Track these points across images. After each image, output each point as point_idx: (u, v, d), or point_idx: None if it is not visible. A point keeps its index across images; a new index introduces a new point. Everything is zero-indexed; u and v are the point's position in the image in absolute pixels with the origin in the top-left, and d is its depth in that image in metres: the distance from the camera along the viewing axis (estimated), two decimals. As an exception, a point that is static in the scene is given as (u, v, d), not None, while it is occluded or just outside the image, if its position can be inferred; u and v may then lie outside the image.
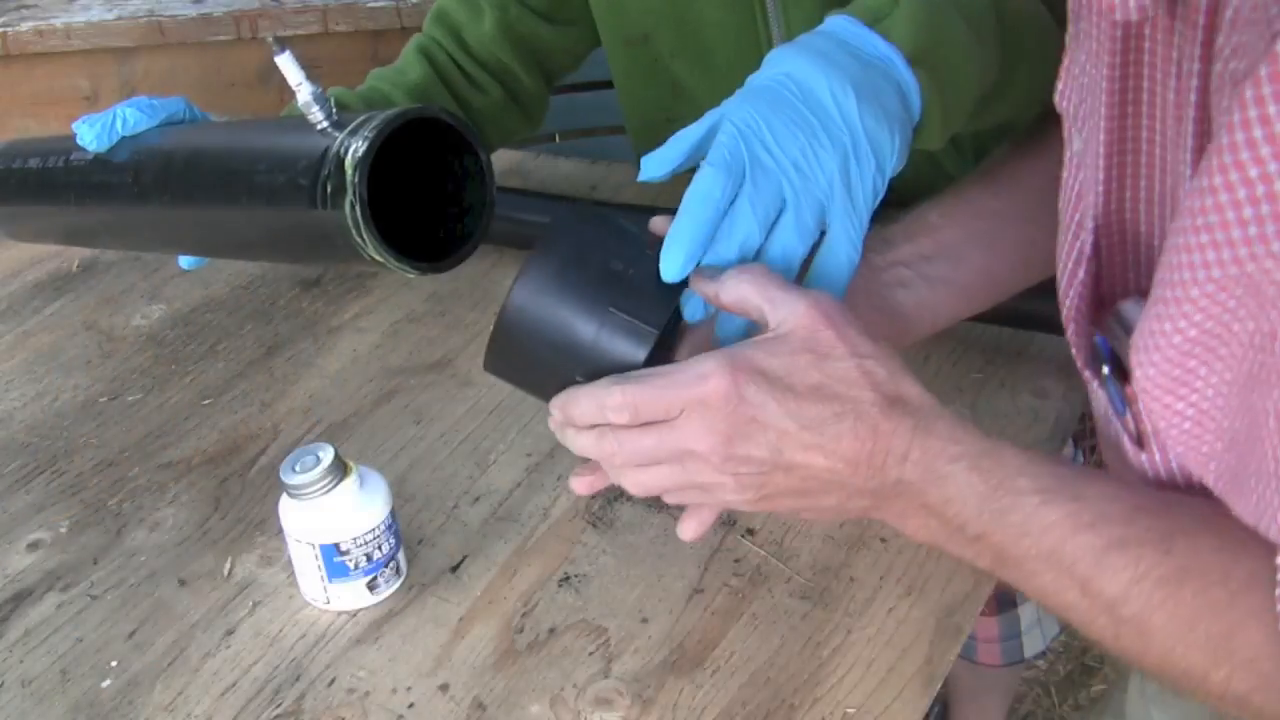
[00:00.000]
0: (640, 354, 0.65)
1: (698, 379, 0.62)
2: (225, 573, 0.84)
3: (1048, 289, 0.72)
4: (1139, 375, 0.57)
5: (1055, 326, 0.70)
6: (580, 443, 0.67)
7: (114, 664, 0.77)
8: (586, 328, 0.65)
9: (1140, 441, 0.65)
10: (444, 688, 0.74)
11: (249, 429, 0.96)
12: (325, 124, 0.75)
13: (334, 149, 0.73)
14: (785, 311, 0.63)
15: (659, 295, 0.66)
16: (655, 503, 0.86)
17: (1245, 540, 0.58)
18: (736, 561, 0.81)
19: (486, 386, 0.98)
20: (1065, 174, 0.68)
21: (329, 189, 0.73)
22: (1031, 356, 0.96)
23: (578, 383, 0.66)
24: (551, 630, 0.77)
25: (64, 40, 1.84)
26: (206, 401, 1.00)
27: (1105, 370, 0.65)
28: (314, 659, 0.77)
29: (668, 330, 0.68)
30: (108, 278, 1.17)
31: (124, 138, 0.91)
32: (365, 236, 0.73)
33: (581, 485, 0.72)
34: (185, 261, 0.97)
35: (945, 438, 0.62)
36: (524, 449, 0.92)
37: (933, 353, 0.97)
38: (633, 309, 0.65)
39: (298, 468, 0.76)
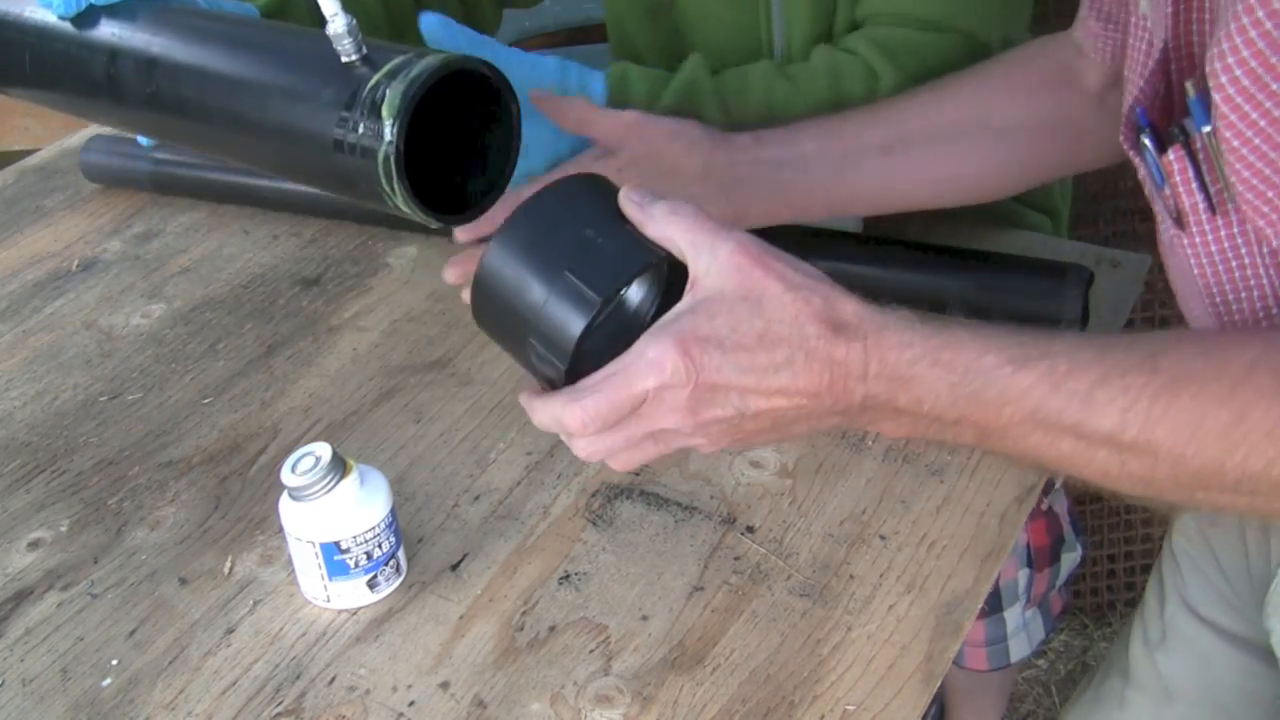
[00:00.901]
0: (579, 323, 0.64)
1: (650, 366, 0.63)
2: (226, 571, 0.84)
3: (1049, 289, 0.73)
4: (1216, 91, 0.60)
5: (1055, 324, 0.71)
6: (560, 434, 0.68)
7: (114, 663, 0.78)
8: (539, 290, 0.65)
9: (1180, 221, 0.68)
10: (444, 686, 0.74)
11: (249, 428, 0.96)
12: (355, 57, 0.71)
13: (364, 92, 0.69)
14: (709, 259, 0.64)
15: (620, 267, 0.65)
16: (655, 501, 0.86)
17: (1233, 339, 0.63)
18: (736, 559, 0.81)
19: (486, 385, 0.98)
20: (1133, 38, 0.74)
21: (359, 132, 0.69)
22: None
23: (532, 346, 0.66)
24: (552, 628, 0.77)
25: (64, 40, 1.84)
26: (207, 400, 1.00)
27: (1145, 140, 0.68)
28: (314, 657, 0.77)
29: (625, 311, 0.68)
30: (108, 277, 1.17)
31: (93, 6, 0.80)
32: (396, 188, 0.69)
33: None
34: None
35: (898, 344, 0.64)
36: (524, 447, 0.92)
37: (932, 351, 0.97)
38: (586, 275, 0.64)
39: (297, 469, 0.76)
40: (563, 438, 0.68)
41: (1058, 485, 1.41)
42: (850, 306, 0.65)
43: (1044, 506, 1.41)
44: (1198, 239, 0.69)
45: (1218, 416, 0.60)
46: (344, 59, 0.71)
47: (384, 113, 0.68)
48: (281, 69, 0.75)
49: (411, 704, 0.73)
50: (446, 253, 1.15)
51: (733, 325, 0.63)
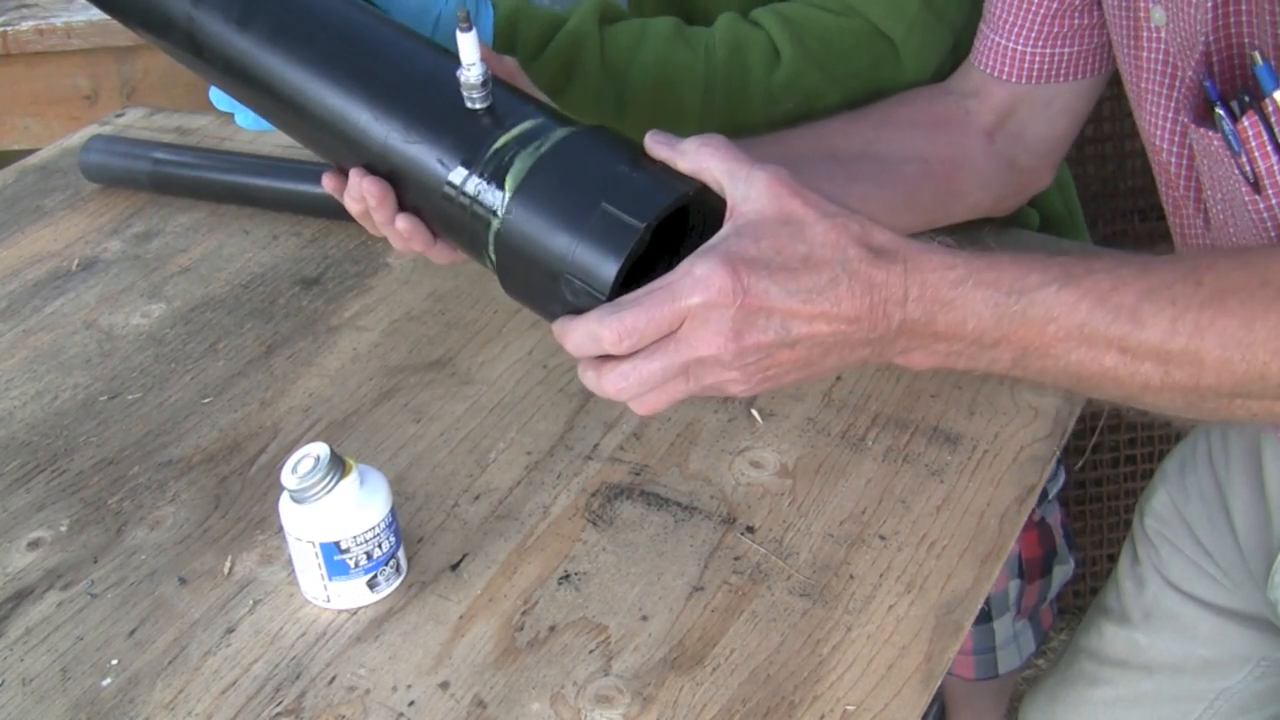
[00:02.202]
0: (622, 249, 0.63)
1: (697, 284, 0.62)
2: (225, 571, 0.84)
3: None
4: None
5: None
6: (586, 377, 0.67)
7: (114, 662, 0.78)
8: (574, 227, 0.64)
9: (1256, 185, 0.70)
10: (444, 685, 0.74)
11: (249, 427, 0.96)
12: (480, 108, 0.69)
13: (489, 153, 0.68)
14: (745, 188, 0.64)
15: (659, 193, 0.65)
16: (655, 501, 0.86)
17: (1265, 251, 0.65)
18: (736, 559, 0.81)
19: (486, 385, 0.98)
20: (1146, 50, 0.78)
21: (474, 192, 0.68)
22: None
23: (568, 283, 0.64)
24: (552, 628, 0.77)
25: (64, 39, 1.84)
26: (207, 400, 1.00)
27: (1219, 111, 0.71)
28: (314, 657, 0.77)
29: (658, 244, 0.67)
30: (108, 276, 1.17)
31: None
32: (496, 258, 0.69)
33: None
34: (245, 120, 0.87)
35: (940, 266, 0.65)
36: (524, 447, 0.92)
37: (932, 351, 0.97)
38: (624, 205, 0.64)
39: (297, 470, 0.76)
40: (589, 380, 0.66)
41: (1051, 497, 1.41)
42: (886, 234, 0.65)
43: (1036, 517, 1.40)
44: (1274, 199, 0.71)
45: (1265, 322, 0.62)
46: (469, 106, 0.69)
47: (507, 183, 0.67)
48: (395, 90, 0.73)
49: (411, 704, 0.73)
50: (446, 252, 1.15)
51: (777, 249, 0.63)
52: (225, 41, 0.78)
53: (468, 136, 0.69)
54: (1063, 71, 0.91)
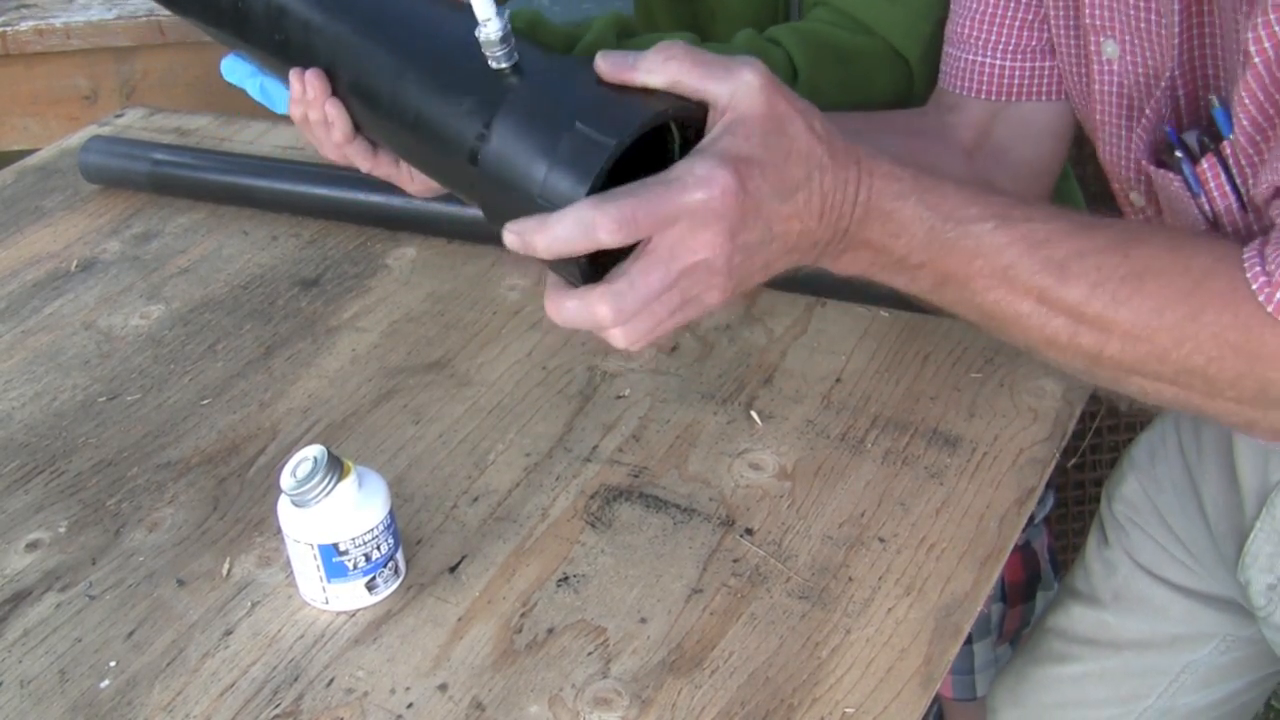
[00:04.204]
0: (594, 166, 0.60)
1: (701, 182, 0.60)
2: (224, 573, 0.83)
3: None
4: (1239, 89, 0.64)
5: None
6: (569, 308, 0.62)
7: (113, 664, 0.77)
8: (547, 152, 0.61)
9: (1215, 223, 0.72)
10: (442, 688, 0.74)
11: (248, 429, 0.96)
12: (505, 66, 0.66)
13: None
14: (732, 86, 0.62)
15: (634, 112, 0.62)
16: (654, 503, 0.86)
17: (1194, 241, 0.67)
18: (735, 562, 0.81)
19: (485, 386, 0.98)
20: (1098, 83, 0.80)
21: None
22: (1030, 357, 0.96)
23: (541, 209, 0.61)
24: (550, 630, 0.77)
25: (64, 40, 1.84)
26: (205, 401, 1.00)
27: (1178, 154, 0.72)
28: (312, 659, 0.77)
29: (630, 162, 0.64)
30: (106, 277, 1.17)
31: None
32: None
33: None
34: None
35: (887, 175, 0.65)
36: (523, 449, 0.92)
37: (932, 353, 0.97)
38: (598, 125, 0.61)
39: (296, 472, 0.76)
40: (569, 310, 0.62)
41: (1038, 521, 1.40)
42: (841, 138, 0.65)
43: (1021, 541, 1.40)
44: (1231, 237, 0.72)
45: (1176, 311, 0.64)
46: (493, 65, 0.66)
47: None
48: (422, 56, 0.71)
49: (410, 706, 0.73)
50: (445, 254, 1.15)
51: (766, 145, 0.62)
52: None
53: (492, 94, 0.66)
54: (1039, 88, 0.89)
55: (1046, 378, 0.94)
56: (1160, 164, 0.76)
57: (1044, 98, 0.90)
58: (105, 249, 1.22)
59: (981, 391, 0.93)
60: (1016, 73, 0.89)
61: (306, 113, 0.76)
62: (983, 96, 0.91)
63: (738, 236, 0.62)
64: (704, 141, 0.63)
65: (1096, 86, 0.81)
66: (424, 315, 1.08)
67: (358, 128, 0.78)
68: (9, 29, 1.83)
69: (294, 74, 0.76)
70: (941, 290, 0.68)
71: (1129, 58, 0.77)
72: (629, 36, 1.02)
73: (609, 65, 0.64)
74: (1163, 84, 0.74)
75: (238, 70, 0.86)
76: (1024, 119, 0.91)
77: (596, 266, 0.63)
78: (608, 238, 0.59)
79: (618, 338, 0.63)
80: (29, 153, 1.45)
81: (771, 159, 0.62)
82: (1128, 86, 0.79)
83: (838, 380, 0.95)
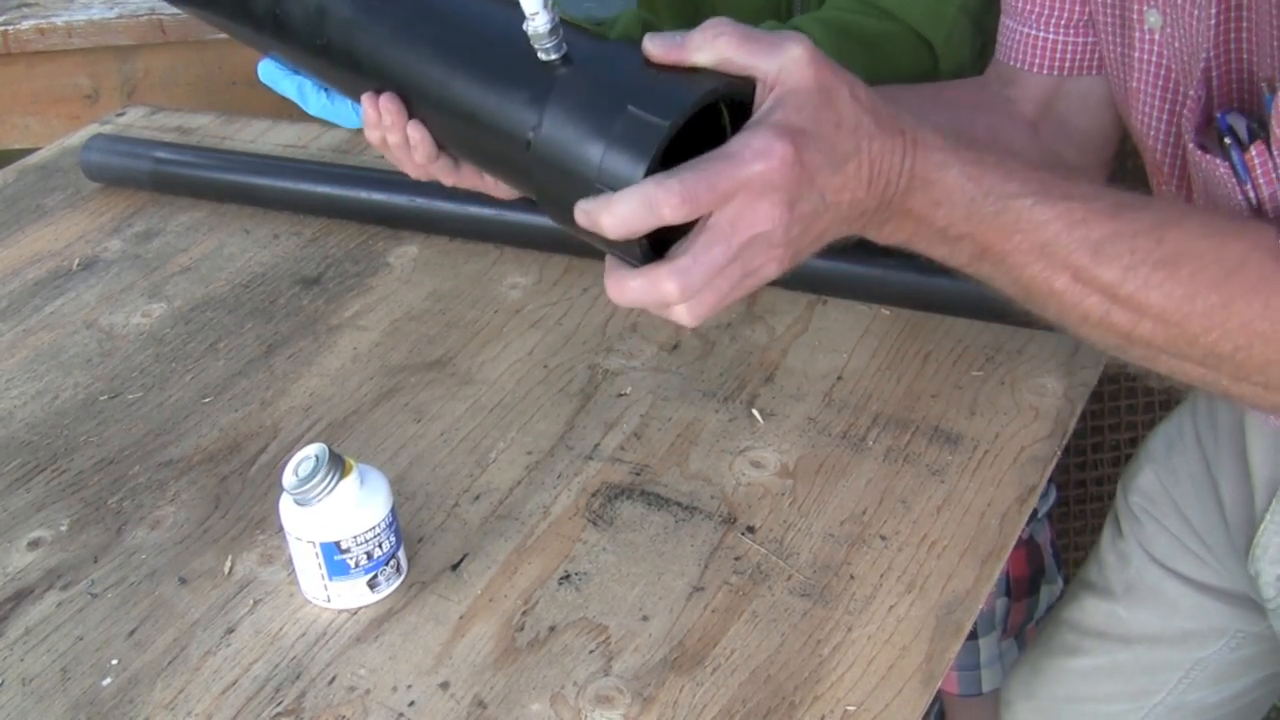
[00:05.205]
0: (650, 149, 0.60)
1: (759, 155, 0.60)
2: (226, 571, 0.84)
3: None
4: None
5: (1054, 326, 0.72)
6: (634, 287, 0.62)
7: (114, 662, 0.78)
8: (601, 134, 0.62)
9: (1259, 209, 0.72)
10: (444, 686, 0.74)
11: (249, 427, 0.96)
12: (555, 57, 0.66)
13: None
14: (780, 61, 0.63)
15: (685, 91, 0.62)
16: (656, 501, 0.86)
17: (1229, 227, 0.68)
18: (737, 559, 0.81)
19: (487, 384, 0.98)
20: (1138, 51, 0.80)
21: None
22: (1031, 355, 0.96)
23: (599, 193, 0.61)
24: (552, 628, 0.77)
25: (65, 38, 1.84)
26: (207, 400, 1.00)
27: (1228, 141, 0.72)
28: (314, 657, 0.77)
29: (685, 142, 0.64)
30: (108, 276, 1.17)
31: None
32: None
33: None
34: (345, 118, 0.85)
35: (932, 146, 0.66)
36: (524, 447, 0.92)
37: (933, 351, 0.97)
38: (650, 106, 0.61)
39: (298, 470, 0.76)
40: (633, 289, 0.62)
41: (1040, 515, 1.41)
42: (888, 105, 0.66)
43: (1025, 536, 1.40)
44: (1269, 222, 0.72)
45: (1207, 298, 0.65)
46: (542, 58, 0.66)
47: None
48: (473, 51, 0.71)
49: (411, 704, 0.73)
50: (446, 252, 1.15)
51: (818, 120, 0.63)
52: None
53: (545, 84, 0.66)
54: (1095, 63, 0.89)
55: (1048, 375, 0.94)
56: (1206, 148, 0.75)
57: (1096, 72, 0.90)
58: (107, 247, 1.22)
59: (983, 389, 0.93)
60: (1071, 48, 0.89)
61: (385, 136, 0.76)
62: (1041, 72, 0.90)
63: (795, 207, 0.62)
64: (756, 115, 0.63)
65: (1136, 54, 0.80)
66: (425, 313, 1.08)
67: (440, 145, 0.77)
68: (10, 28, 1.83)
69: (367, 99, 0.75)
70: (979, 263, 0.69)
71: (1170, 29, 0.77)
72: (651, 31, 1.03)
73: (658, 47, 0.64)
74: (1200, 65, 0.74)
75: (274, 73, 0.85)
76: (1082, 92, 0.91)
77: (656, 246, 0.63)
78: (671, 214, 0.60)
79: (682, 314, 0.63)
80: (30, 151, 1.45)
81: (822, 130, 0.63)
82: (1167, 58, 0.78)
83: (839, 378, 0.95)
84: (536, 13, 0.65)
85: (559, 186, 0.65)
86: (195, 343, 1.07)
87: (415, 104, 0.74)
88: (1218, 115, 0.74)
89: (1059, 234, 0.66)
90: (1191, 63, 0.76)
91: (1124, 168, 1.64)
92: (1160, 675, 1.04)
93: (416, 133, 0.75)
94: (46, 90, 1.89)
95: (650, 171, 0.61)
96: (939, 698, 1.54)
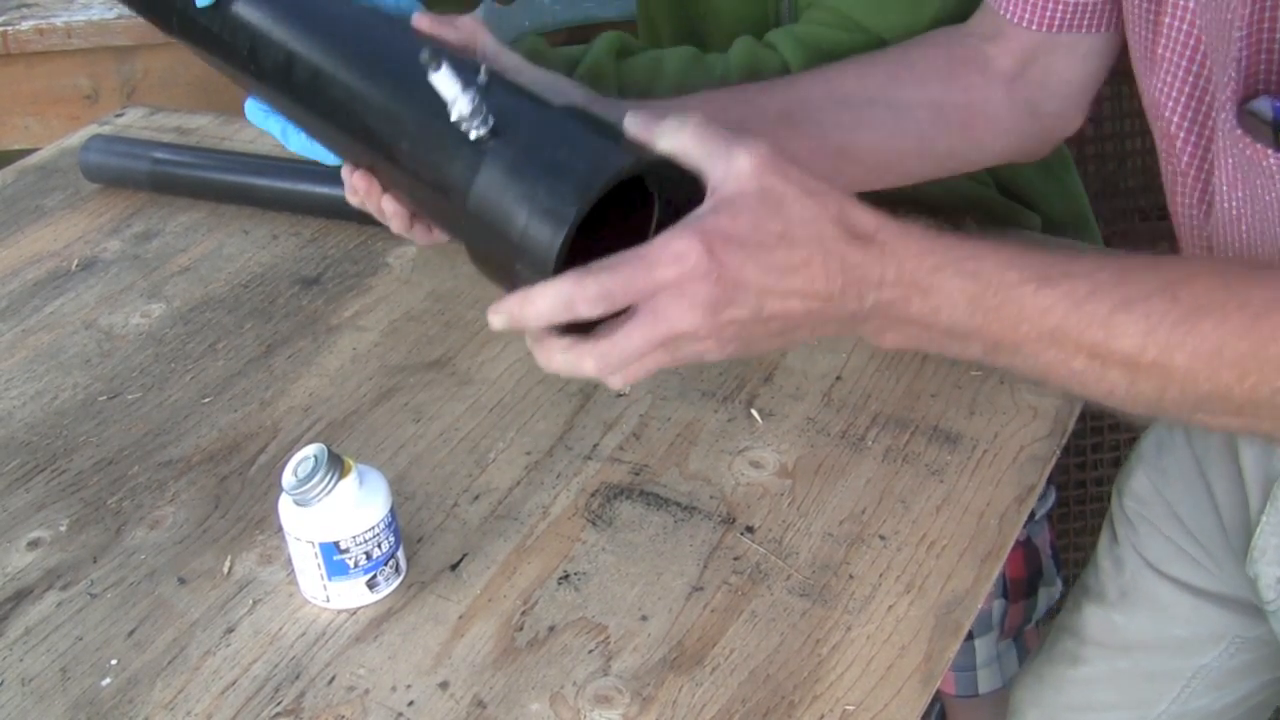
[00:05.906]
0: (556, 238, 0.62)
1: (675, 258, 0.62)
2: (225, 571, 0.84)
3: None
4: None
5: None
6: (558, 361, 0.65)
7: (114, 662, 0.78)
8: (520, 211, 0.64)
9: None
10: (444, 685, 0.74)
11: (249, 427, 0.96)
12: (483, 132, 0.67)
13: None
14: (725, 166, 0.64)
15: (593, 175, 0.63)
16: (655, 501, 0.86)
17: (1245, 274, 0.66)
18: (736, 559, 0.81)
19: (486, 385, 0.98)
20: (1169, 16, 0.77)
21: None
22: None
23: (519, 274, 0.64)
24: (551, 628, 0.77)
25: (64, 39, 1.84)
26: (206, 400, 1.00)
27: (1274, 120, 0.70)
28: (314, 657, 0.77)
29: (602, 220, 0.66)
30: (107, 276, 1.17)
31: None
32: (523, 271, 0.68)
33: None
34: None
35: (919, 252, 0.65)
36: (523, 447, 0.92)
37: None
38: (560, 190, 0.63)
39: (297, 471, 0.76)
40: (559, 361, 0.65)
41: (1039, 517, 1.41)
42: (867, 214, 0.65)
43: (1023, 537, 1.40)
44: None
45: (1237, 347, 0.63)
46: (471, 136, 0.67)
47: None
48: (409, 121, 0.73)
49: (411, 704, 0.73)
50: (446, 253, 1.15)
51: (755, 224, 0.63)
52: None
53: (466, 166, 0.69)
54: (1090, 20, 0.88)
55: (1047, 375, 0.94)
56: (1254, 137, 0.73)
57: (1092, 30, 0.89)
58: (106, 248, 1.22)
59: (982, 389, 0.93)
60: (1065, 5, 0.88)
61: (364, 203, 0.81)
62: (1032, 28, 0.89)
63: (719, 313, 0.63)
64: (690, 216, 0.64)
65: (1166, 20, 0.78)
66: (425, 314, 1.08)
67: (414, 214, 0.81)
68: (10, 28, 1.83)
69: (345, 172, 0.80)
70: (995, 355, 0.68)
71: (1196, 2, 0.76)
72: (629, 55, 1.03)
73: (635, 128, 0.67)
74: (1236, 44, 0.72)
75: (258, 112, 0.87)
76: (1070, 45, 0.90)
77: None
78: (588, 310, 0.62)
79: (612, 382, 0.66)
80: (29, 152, 1.45)
81: (759, 238, 0.63)
82: (1199, 28, 0.77)
83: (838, 378, 0.96)
84: (455, 99, 0.67)
85: (492, 252, 0.67)
86: (195, 343, 1.07)
87: (377, 175, 0.79)
88: (1273, 105, 0.72)
89: (1066, 315, 0.65)
90: (1221, 39, 0.74)
91: (1123, 168, 1.64)
92: (1160, 685, 1.04)
93: (389, 206, 0.79)
94: (46, 91, 1.89)
95: (560, 259, 0.63)
96: (939, 698, 1.54)
